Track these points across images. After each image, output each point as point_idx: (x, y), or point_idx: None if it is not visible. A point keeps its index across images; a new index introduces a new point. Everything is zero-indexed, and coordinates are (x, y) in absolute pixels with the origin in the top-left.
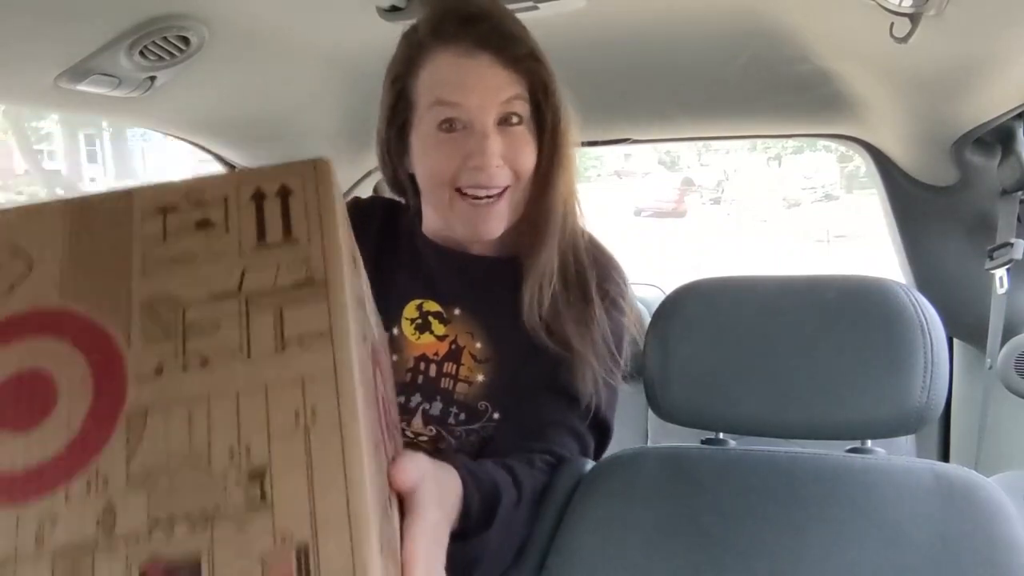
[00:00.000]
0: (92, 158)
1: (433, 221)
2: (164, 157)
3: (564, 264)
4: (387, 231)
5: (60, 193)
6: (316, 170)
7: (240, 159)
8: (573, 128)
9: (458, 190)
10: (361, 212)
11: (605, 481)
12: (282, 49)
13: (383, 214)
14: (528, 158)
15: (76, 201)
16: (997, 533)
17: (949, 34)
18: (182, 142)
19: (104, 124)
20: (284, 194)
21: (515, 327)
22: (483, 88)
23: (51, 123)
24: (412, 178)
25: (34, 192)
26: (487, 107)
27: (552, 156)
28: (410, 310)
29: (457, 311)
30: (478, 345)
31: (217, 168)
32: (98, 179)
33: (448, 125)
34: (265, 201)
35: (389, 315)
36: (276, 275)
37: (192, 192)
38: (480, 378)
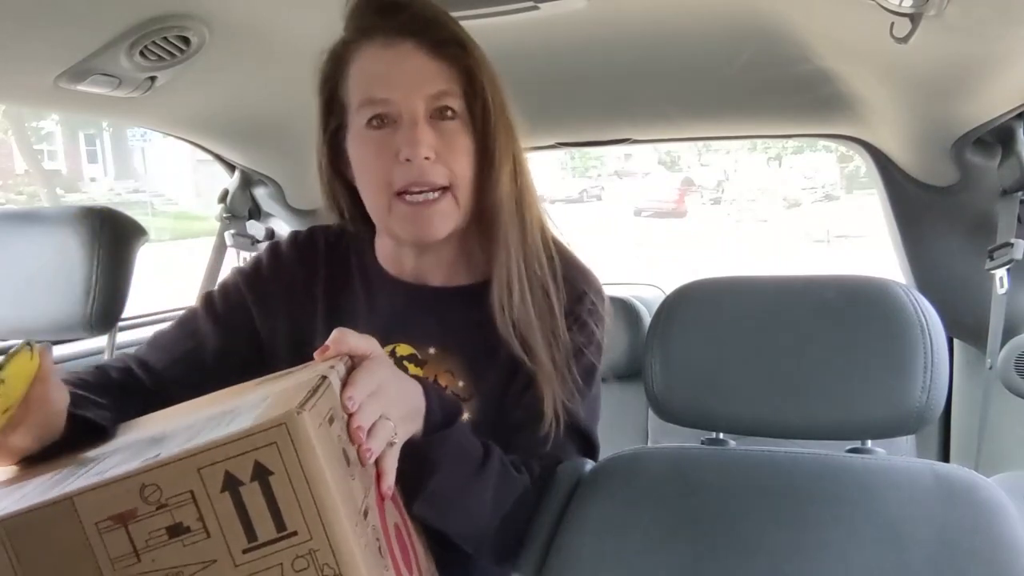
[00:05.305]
0: (92, 158)
1: (387, 249)
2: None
3: (530, 273)
4: (333, 261)
5: (60, 193)
6: (290, 432)
7: (240, 159)
8: (504, 125)
9: (396, 194)
10: (301, 248)
11: (605, 481)
12: (282, 49)
13: (325, 244)
14: (463, 155)
15: (11, 521)
16: (997, 533)
17: (949, 34)
18: (182, 142)
19: (104, 124)
20: (262, 476)
21: (492, 361)
22: (408, 78)
23: (51, 123)
24: (353, 197)
25: (34, 192)
26: (414, 96)
27: (488, 151)
28: None
29: (432, 350)
30: (460, 384)
31: (217, 168)
32: (98, 179)
33: (378, 121)
34: (242, 490)
35: None
36: None
37: (146, 490)
38: (466, 416)
